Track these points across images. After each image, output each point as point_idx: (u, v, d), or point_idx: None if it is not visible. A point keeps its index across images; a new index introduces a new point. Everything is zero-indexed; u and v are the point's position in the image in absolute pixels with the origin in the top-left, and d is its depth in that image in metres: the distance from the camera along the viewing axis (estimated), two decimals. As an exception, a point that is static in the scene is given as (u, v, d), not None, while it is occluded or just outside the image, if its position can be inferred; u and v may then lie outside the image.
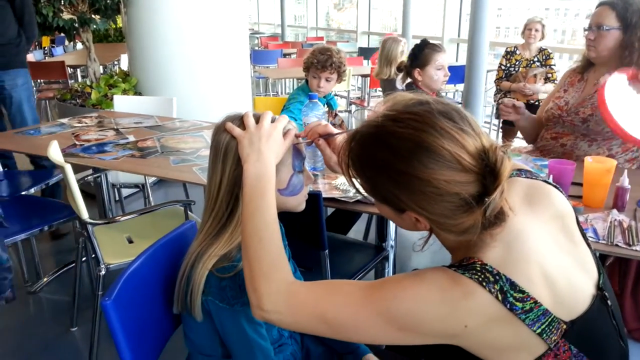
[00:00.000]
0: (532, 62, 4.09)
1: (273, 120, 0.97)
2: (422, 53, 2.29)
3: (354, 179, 0.85)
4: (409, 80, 2.39)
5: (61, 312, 2.30)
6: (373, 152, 0.78)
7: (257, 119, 0.96)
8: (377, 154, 0.78)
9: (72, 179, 1.71)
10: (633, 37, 1.81)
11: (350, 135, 0.83)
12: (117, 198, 3.24)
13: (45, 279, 2.52)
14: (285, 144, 0.96)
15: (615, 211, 1.46)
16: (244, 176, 0.91)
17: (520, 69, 4.11)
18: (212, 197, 0.97)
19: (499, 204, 0.75)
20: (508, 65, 4.19)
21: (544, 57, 4.08)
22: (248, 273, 0.86)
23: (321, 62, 2.34)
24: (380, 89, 4.51)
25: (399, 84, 2.53)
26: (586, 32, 1.93)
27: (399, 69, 2.51)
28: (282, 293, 0.83)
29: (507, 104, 2.10)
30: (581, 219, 1.39)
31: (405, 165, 0.74)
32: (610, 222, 1.40)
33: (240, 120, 0.97)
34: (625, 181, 1.47)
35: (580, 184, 1.56)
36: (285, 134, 0.96)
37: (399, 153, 0.75)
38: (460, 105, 0.81)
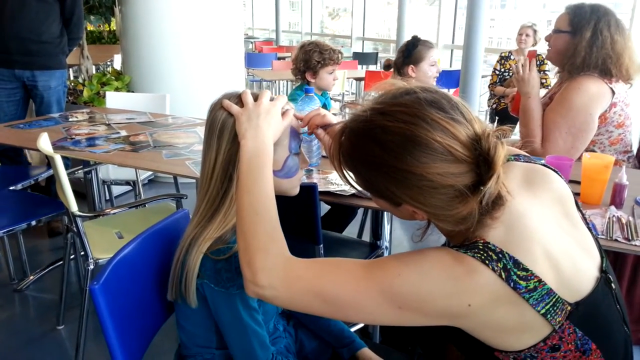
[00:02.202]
0: (526, 67, 4.10)
1: (272, 99, 0.95)
2: (416, 50, 2.30)
3: (347, 175, 0.83)
4: (398, 78, 2.39)
5: (48, 310, 2.24)
6: (363, 148, 0.76)
7: (255, 98, 0.94)
8: (367, 150, 0.76)
9: (62, 170, 1.67)
10: (577, 42, 1.83)
11: (339, 131, 0.81)
12: (108, 197, 3.19)
13: (31, 277, 2.45)
14: (284, 123, 0.94)
15: (613, 208, 1.45)
16: (242, 152, 0.88)
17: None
18: (207, 176, 0.94)
19: (496, 191, 0.73)
20: (502, 70, 4.21)
21: (538, 63, 4.10)
22: (243, 247, 0.83)
23: (334, 57, 2.32)
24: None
25: None
26: None
27: (387, 67, 2.50)
28: (278, 267, 0.80)
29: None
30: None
31: (397, 160, 0.72)
32: (609, 218, 1.38)
33: (237, 98, 0.95)
34: (623, 177, 1.45)
35: (578, 182, 1.55)
36: (283, 113, 0.94)
37: (390, 148, 0.73)
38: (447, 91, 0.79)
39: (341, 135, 0.80)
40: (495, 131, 0.74)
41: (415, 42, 2.32)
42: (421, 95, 0.74)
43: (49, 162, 2.93)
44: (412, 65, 2.31)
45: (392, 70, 2.45)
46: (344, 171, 0.82)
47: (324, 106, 2.50)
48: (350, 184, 0.84)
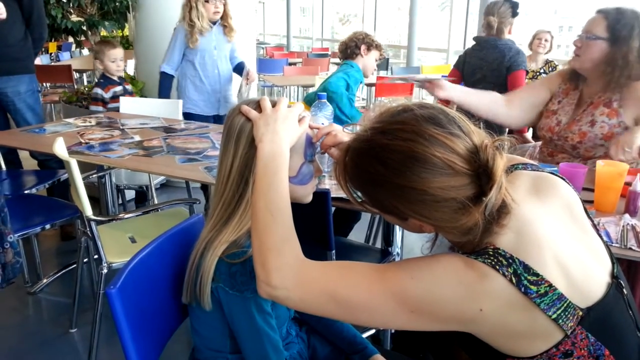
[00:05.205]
0: (538, 73, 4.09)
1: (288, 107, 0.97)
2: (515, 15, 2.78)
3: (353, 193, 0.85)
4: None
5: (61, 313, 2.27)
6: (366, 167, 0.79)
7: (273, 104, 0.96)
8: (370, 169, 0.78)
9: (77, 174, 1.70)
10: (617, 52, 1.66)
11: (343, 151, 0.83)
12: (121, 201, 3.22)
13: (45, 280, 2.49)
14: (300, 129, 0.95)
15: (627, 216, 1.44)
16: (258, 154, 0.90)
17: (526, 80, 4.10)
18: (223, 180, 0.96)
19: (499, 200, 0.75)
20: (514, 76, 4.18)
21: (550, 69, 4.08)
22: (257, 248, 0.84)
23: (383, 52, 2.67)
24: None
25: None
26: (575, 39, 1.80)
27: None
28: (292, 268, 0.81)
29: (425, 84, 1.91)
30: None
31: (399, 177, 0.74)
32: (623, 226, 1.38)
33: (255, 104, 0.97)
34: (637, 185, 1.44)
35: (591, 190, 1.54)
36: (300, 120, 0.96)
37: (391, 166, 0.75)
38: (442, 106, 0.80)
39: (345, 156, 0.83)
40: (494, 142, 0.76)
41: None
42: (418, 112, 0.77)
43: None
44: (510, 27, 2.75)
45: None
46: (350, 190, 0.85)
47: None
48: (356, 202, 0.87)
